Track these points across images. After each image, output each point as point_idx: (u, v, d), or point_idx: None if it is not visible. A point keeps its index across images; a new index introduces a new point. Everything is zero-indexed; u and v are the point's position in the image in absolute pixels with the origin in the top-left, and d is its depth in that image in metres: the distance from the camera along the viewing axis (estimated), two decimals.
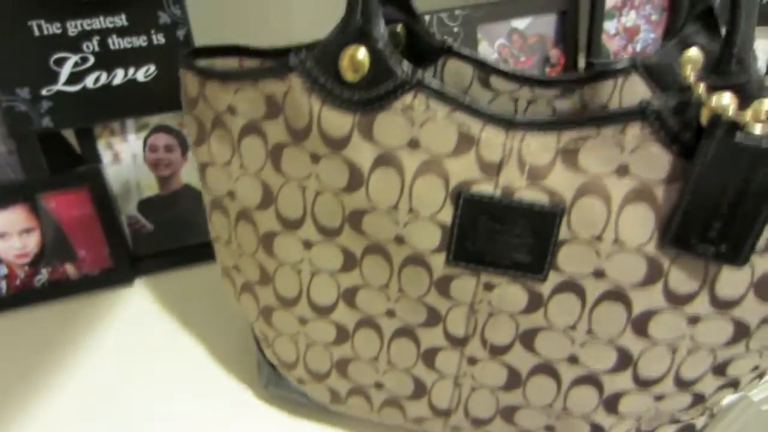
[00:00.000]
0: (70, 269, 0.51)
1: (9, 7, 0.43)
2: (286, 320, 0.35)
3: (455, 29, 0.60)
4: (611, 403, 0.30)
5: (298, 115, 0.29)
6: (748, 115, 0.23)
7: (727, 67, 0.24)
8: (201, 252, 0.54)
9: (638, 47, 0.73)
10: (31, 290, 0.50)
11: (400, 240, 0.29)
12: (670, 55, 0.34)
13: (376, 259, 0.30)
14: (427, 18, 0.58)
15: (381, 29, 0.27)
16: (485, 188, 0.27)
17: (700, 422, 0.33)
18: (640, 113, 0.26)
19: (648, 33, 0.72)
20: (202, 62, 0.34)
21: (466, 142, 0.27)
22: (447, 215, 0.28)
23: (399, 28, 0.38)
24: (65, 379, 0.43)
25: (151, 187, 0.53)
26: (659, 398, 0.30)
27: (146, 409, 0.40)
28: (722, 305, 0.27)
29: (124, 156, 0.51)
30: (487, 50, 0.65)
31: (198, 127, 0.33)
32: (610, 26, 0.71)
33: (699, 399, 0.30)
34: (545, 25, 0.68)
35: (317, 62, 0.28)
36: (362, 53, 0.27)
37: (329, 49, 0.27)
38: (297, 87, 0.28)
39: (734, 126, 0.23)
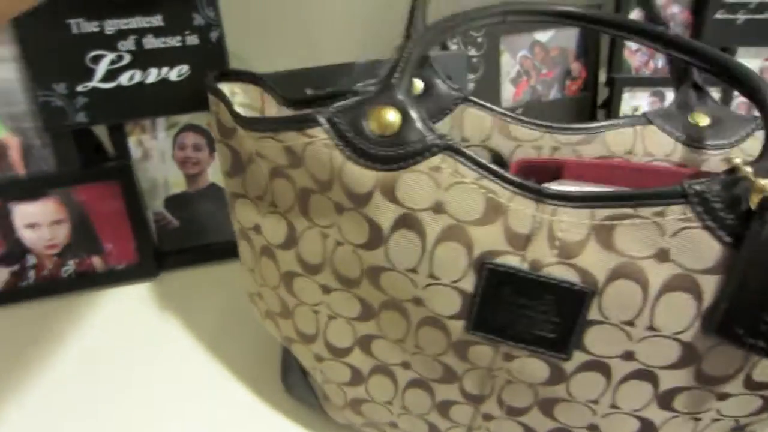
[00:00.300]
0: (96, 261, 0.52)
1: (48, 5, 0.42)
2: (305, 354, 0.35)
3: (479, 39, 0.60)
4: None
5: (321, 168, 0.27)
6: None
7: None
8: (224, 250, 0.54)
9: (660, 63, 0.71)
10: (58, 280, 0.51)
11: (418, 301, 0.28)
12: (676, 116, 0.36)
13: (393, 315, 0.29)
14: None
15: (411, 92, 0.25)
16: (512, 260, 0.26)
17: None
18: (681, 195, 0.23)
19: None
20: (226, 88, 0.33)
21: (493, 210, 0.25)
22: (468, 284, 0.26)
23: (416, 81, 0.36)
24: (88, 368, 0.44)
25: (178, 185, 0.52)
26: None
27: (165, 401, 0.41)
28: (756, 387, 0.25)
29: (154, 153, 0.51)
30: (509, 62, 0.64)
31: (233, 157, 0.32)
32: (631, 43, 0.70)
33: None
34: (567, 38, 0.68)
35: (344, 118, 0.26)
36: (393, 115, 0.25)
37: (358, 108, 0.26)
38: (319, 141, 0.27)
39: None
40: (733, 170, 0.23)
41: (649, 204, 0.24)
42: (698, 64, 0.30)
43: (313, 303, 0.32)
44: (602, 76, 0.71)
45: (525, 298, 0.26)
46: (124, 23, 0.45)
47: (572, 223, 0.25)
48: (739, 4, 0.68)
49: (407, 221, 0.26)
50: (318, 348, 0.33)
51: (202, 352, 0.45)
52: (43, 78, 0.45)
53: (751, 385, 0.26)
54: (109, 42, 0.45)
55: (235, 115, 0.30)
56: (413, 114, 0.26)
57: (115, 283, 0.53)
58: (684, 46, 0.30)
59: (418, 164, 0.26)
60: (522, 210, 0.25)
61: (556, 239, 0.25)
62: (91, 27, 0.44)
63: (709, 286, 0.24)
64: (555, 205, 0.25)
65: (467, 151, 0.25)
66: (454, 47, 0.61)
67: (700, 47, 0.30)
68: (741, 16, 0.69)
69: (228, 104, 0.31)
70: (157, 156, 0.51)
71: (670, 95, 0.68)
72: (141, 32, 0.45)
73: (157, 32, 0.46)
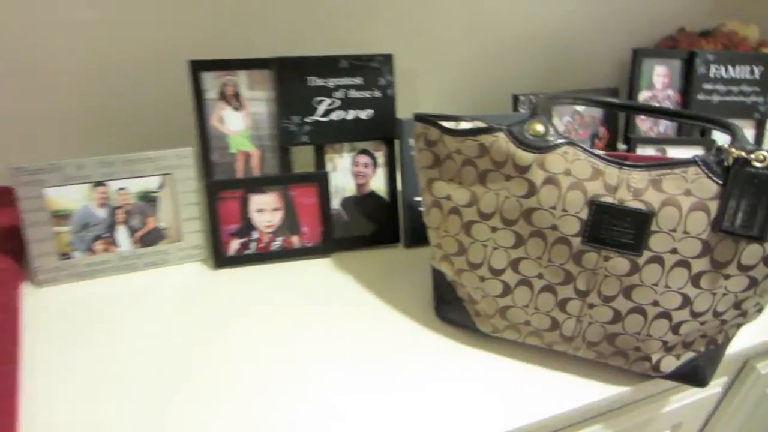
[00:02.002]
0: (295, 240, 0.75)
1: (296, 67, 0.69)
2: (471, 278, 0.57)
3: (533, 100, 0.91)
4: (676, 328, 0.50)
5: (500, 154, 0.51)
6: (752, 157, 0.44)
7: (737, 141, 0.45)
8: (375, 239, 0.77)
9: (662, 128, 1.06)
10: (270, 252, 0.75)
11: (554, 228, 0.50)
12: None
13: (537, 241, 0.52)
14: (522, 97, 0.92)
15: (549, 115, 0.49)
16: (607, 199, 0.48)
17: (719, 339, 0.53)
18: (693, 162, 0.46)
19: (667, 121, 1.06)
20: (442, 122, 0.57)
21: (597, 173, 0.49)
22: (584, 214, 0.49)
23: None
24: (288, 311, 0.65)
25: (350, 190, 0.76)
26: (702, 323, 0.50)
27: (345, 337, 0.62)
28: (744, 268, 0.47)
29: (338, 167, 0.75)
30: (558, 123, 0.96)
31: (433, 157, 0.55)
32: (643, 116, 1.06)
33: (723, 323, 0.50)
34: (596, 110, 1.00)
35: (515, 128, 0.50)
36: (540, 127, 0.49)
37: (522, 123, 0.50)
38: (501, 139, 0.50)
39: (746, 162, 0.44)
40: (719, 149, 0.46)
41: (678, 166, 0.47)
42: (696, 123, 0.54)
43: (483, 240, 0.54)
44: (620, 138, 1.06)
45: (615, 220, 0.48)
46: (339, 81, 0.71)
47: (639, 178, 0.48)
48: (712, 90, 1.06)
49: (551, 179, 0.49)
50: (482, 272, 0.56)
51: (366, 303, 0.66)
52: (286, 111, 0.70)
53: (742, 267, 0.47)
54: (329, 92, 0.71)
55: (447, 130, 0.54)
56: (550, 126, 0.50)
57: (305, 257, 0.76)
58: (680, 113, 0.55)
59: (555, 150, 0.49)
60: (611, 172, 0.48)
61: (630, 186, 0.48)
62: (320, 82, 0.71)
63: (713, 206, 0.46)
64: (629, 168, 0.48)
65: (580, 144, 0.49)
66: (522, 110, 0.89)
67: (689, 113, 0.54)
68: (715, 98, 1.06)
69: (437, 125, 0.55)
70: (341, 169, 0.75)
71: (669, 150, 0.98)
72: (348, 87, 0.71)
73: (357, 88, 0.71)
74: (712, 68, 1.07)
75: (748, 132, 1.11)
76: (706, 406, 0.72)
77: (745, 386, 0.72)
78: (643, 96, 1.07)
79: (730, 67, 1.07)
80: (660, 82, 1.07)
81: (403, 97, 1.02)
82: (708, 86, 1.07)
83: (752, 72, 1.08)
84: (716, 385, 0.70)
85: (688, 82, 1.07)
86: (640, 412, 0.63)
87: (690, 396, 0.67)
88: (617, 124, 1.04)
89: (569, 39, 1.19)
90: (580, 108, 0.97)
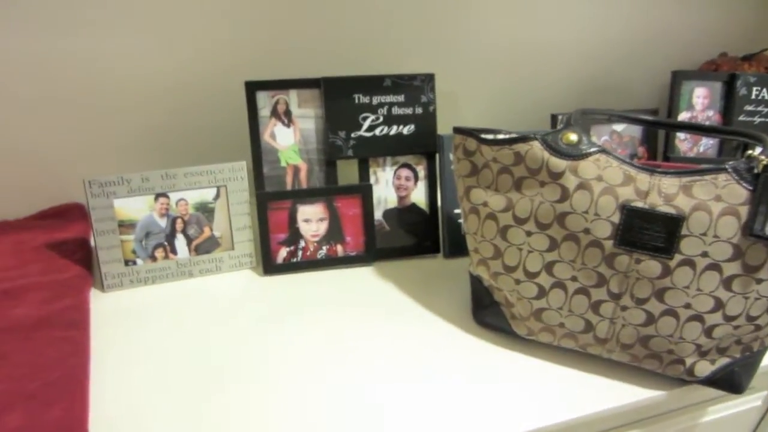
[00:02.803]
0: (339, 248, 0.79)
1: (344, 86, 0.74)
2: (507, 281, 0.59)
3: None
4: (709, 332, 0.51)
5: (534, 161, 0.54)
6: None
7: (766, 150, 0.47)
8: (417, 249, 0.80)
9: (702, 149, 1.06)
10: (316, 260, 0.79)
11: (587, 231, 0.53)
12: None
13: (570, 244, 0.54)
14: (560, 116, 0.94)
15: (582, 125, 0.51)
16: (639, 204, 0.51)
17: (755, 347, 0.53)
18: (724, 169, 0.48)
19: (708, 140, 1.08)
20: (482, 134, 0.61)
21: (628, 179, 0.51)
22: (616, 218, 0.51)
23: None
24: (332, 316, 0.68)
25: (392, 202, 0.80)
26: (736, 328, 0.51)
27: (382, 338, 0.65)
28: None
29: (381, 180, 0.79)
30: (595, 142, 0.98)
31: (471, 166, 0.59)
32: (681, 134, 1.06)
33: (758, 328, 0.51)
34: (635, 129, 1.03)
35: (549, 137, 0.53)
36: (574, 136, 0.52)
37: (556, 133, 0.53)
38: (536, 147, 0.54)
39: None
40: (749, 156, 0.48)
41: (709, 173, 0.49)
42: (732, 138, 0.56)
43: (518, 243, 0.57)
44: (659, 158, 1.08)
45: (647, 224, 0.50)
46: (383, 98, 0.75)
47: (670, 184, 0.50)
48: (755, 111, 1.06)
49: (583, 185, 0.52)
50: (518, 275, 0.58)
51: (407, 309, 0.69)
52: (333, 127, 0.75)
53: None
54: (373, 109, 0.76)
55: (484, 140, 0.57)
56: (583, 136, 0.52)
57: (349, 265, 0.80)
58: (708, 128, 0.56)
59: (588, 157, 0.52)
60: (643, 178, 0.51)
61: (662, 192, 0.50)
62: (365, 99, 0.75)
63: (743, 211, 0.48)
64: (660, 175, 0.50)
65: (612, 152, 0.51)
66: None
67: (717, 127, 0.55)
68: (757, 119, 1.07)
69: (477, 137, 0.58)
70: (383, 182, 0.79)
71: None
72: (391, 104, 0.76)
73: (400, 105, 0.76)
74: (754, 90, 1.07)
75: None
76: (746, 420, 0.71)
77: None
78: (683, 117, 1.08)
79: None
80: (700, 104, 1.09)
81: (446, 117, 1.06)
82: (750, 108, 1.08)
83: None
84: (756, 399, 0.70)
85: (729, 103, 1.08)
86: (676, 421, 0.64)
87: (728, 408, 0.67)
88: (656, 144, 1.06)
89: (609, 61, 1.22)
90: (618, 128, 1.00)
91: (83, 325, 0.64)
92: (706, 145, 1.09)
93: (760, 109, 1.08)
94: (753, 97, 1.07)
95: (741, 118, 1.08)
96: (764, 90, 1.08)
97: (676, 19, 1.24)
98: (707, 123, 1.09)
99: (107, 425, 0.50)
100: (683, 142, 1.08)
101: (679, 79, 1.07)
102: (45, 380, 0.54)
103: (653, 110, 1.10)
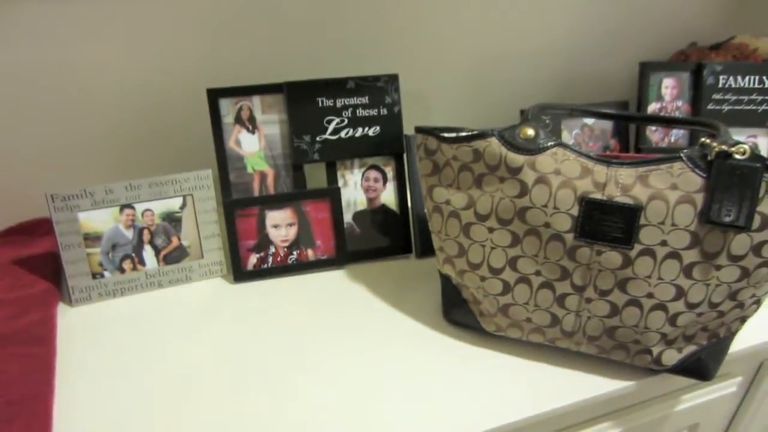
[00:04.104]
0: (309, 253, 0.79)
1: (309, 89, 0.74)
2: (472, 278, 0.59)
3: (546, 121, 0.92)
4: (673, 320, 0.51)
5: (493, 158, 0.54)
6: (733, 150, 0.45)
7: (719, 137, 0.47)
8: (389, 250, 0.80)
9: (673, 139, 1.07)
10: (286, 265, 0.78)
11: (547, 225, 0.53)
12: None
13: (532, 239, 0.54)
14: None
15: (539, 120, 0.51)
16: (597, 196, 0.51)
17: (721, 333, 0.53)
18: (679, 157, 0.48)
19: (678, 130, 1.08)
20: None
21: (585, 171, 0.51)
22: (575, 211, 0.51)
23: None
24: (305, 316, 0.68)
25: (362, 204, 0.80)
26: (699, 315, 0.51)
27: (358, 339, 0.65)
28: (734, 258, 0.48)
29: (350, 182, 0.79)
30: (567, 137, 0.99)
31: (433, 165, 0.59)
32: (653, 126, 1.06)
33: (721, 314, 0.51)
34: (607, 123, 1.03)
35: (506, 133, 0.53)
36: (531, 131, 0.52)
37: (513, 128, 0.53)
38: (494, 143, 0.53)
39: (728, 155, 0.46)
40: (702, 144, 0.48)
41: (664, 162, 0.49)
42: (688, 127, 0.56)
43: (481, 240, 0.57)
44: (632, 150, 1.07)
45: (605, 215, 0.50)
46: (347, 101, 0.75)
47: (627, 174, 0.50)
48: (722, 99, 1.07)
49: (542, 179, 0.52)
50: (482, 271, 0.58)
51: (379, 310, 0.69)
52: (298, 131, 0.75)
53: (732, 257, 0.49)
54: (338, 112, 0.75)
55: (444, 138, 0.57)
56: (540, 130, 0.52)
57: (320, 269, 0.79)
58: (663, 118, 0.56)
59: (545, 152, 0.52)
60: (600, 170, 0.51)
61: (619, 183, 0.50)
62: (329, 102, 0.75)
63: (699, 199, 0.48)
64: (617, 166, 0.50)
65: (569, 144, 0.51)
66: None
67: (672, 117, 0.56)
68: (725, 107, 1.08)
69: (436, 135, 0.58)
70: (352, 184, 0.79)
71: None
72: (355, 106, 0.75)
73: (364, 106, 0.76)
74: (721, 79, 1.08)
75: (762, 140, 1.11)
76: (721, 407, 0.71)
77: (762, 387, 0.72)
78: (652, 108, 1.09)
79: (739, 77, 1.09)
80: (668, 94, 1.09)
81: (416, 115, 1.06)
82: (717, 96, 1.09)
83: (762, 81, 1.09)
84: (731, 385, 0.70)
85: (697, 93, 1.09)
86: (651, 410, 0.64)
87: (702, 396, 0.68)
88: (628, 136, 1.06)
89: (579, 54, 1.22)
90: (589, 121, 1.00)
91: (49, 341, 0.63)
92: (677, 134, 1.10)
93: (728, 97, 1.09)
94: (720, 85, 1.08)
95: (709, 107, 1.09)
96: (731, 78, 1.09)
97: (647, 9, 1.25)
98: (677, 113, 1.10)
99: None
100: (654, 132, 1.09)
101: (647, 70, 1.08)
102: (7, 398, 0.53)
103: (623, 102, 1.10)
